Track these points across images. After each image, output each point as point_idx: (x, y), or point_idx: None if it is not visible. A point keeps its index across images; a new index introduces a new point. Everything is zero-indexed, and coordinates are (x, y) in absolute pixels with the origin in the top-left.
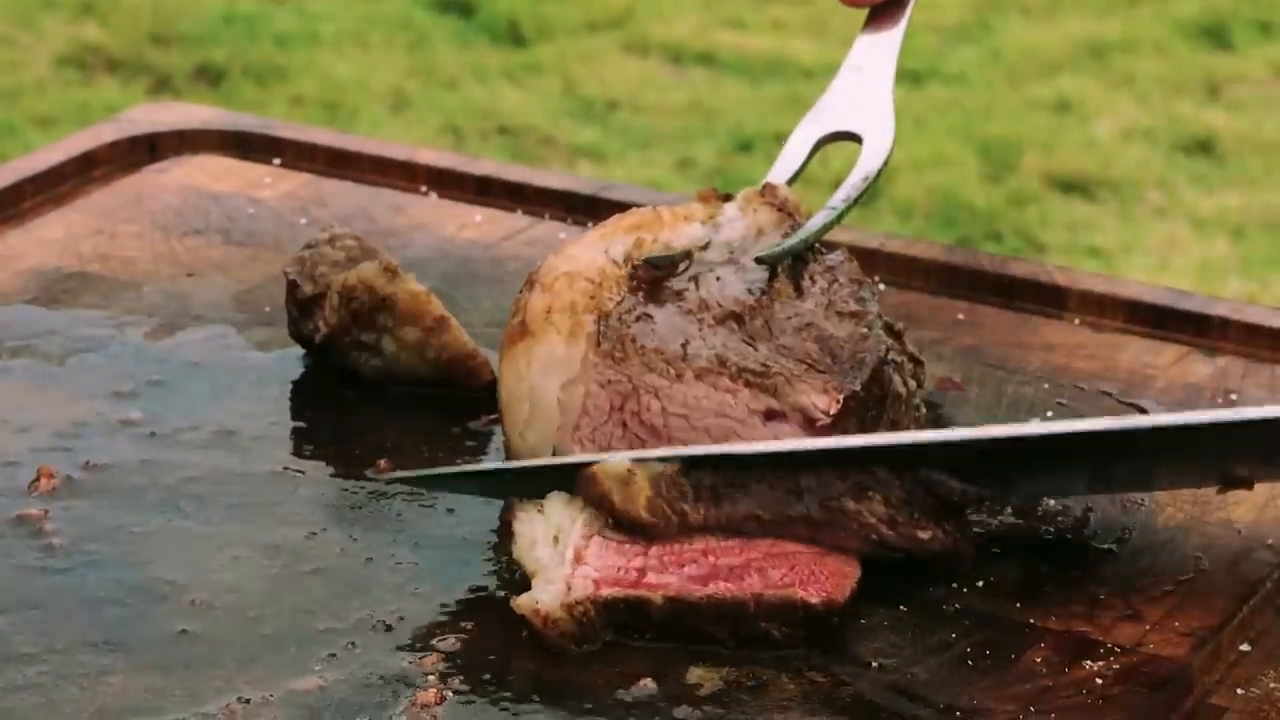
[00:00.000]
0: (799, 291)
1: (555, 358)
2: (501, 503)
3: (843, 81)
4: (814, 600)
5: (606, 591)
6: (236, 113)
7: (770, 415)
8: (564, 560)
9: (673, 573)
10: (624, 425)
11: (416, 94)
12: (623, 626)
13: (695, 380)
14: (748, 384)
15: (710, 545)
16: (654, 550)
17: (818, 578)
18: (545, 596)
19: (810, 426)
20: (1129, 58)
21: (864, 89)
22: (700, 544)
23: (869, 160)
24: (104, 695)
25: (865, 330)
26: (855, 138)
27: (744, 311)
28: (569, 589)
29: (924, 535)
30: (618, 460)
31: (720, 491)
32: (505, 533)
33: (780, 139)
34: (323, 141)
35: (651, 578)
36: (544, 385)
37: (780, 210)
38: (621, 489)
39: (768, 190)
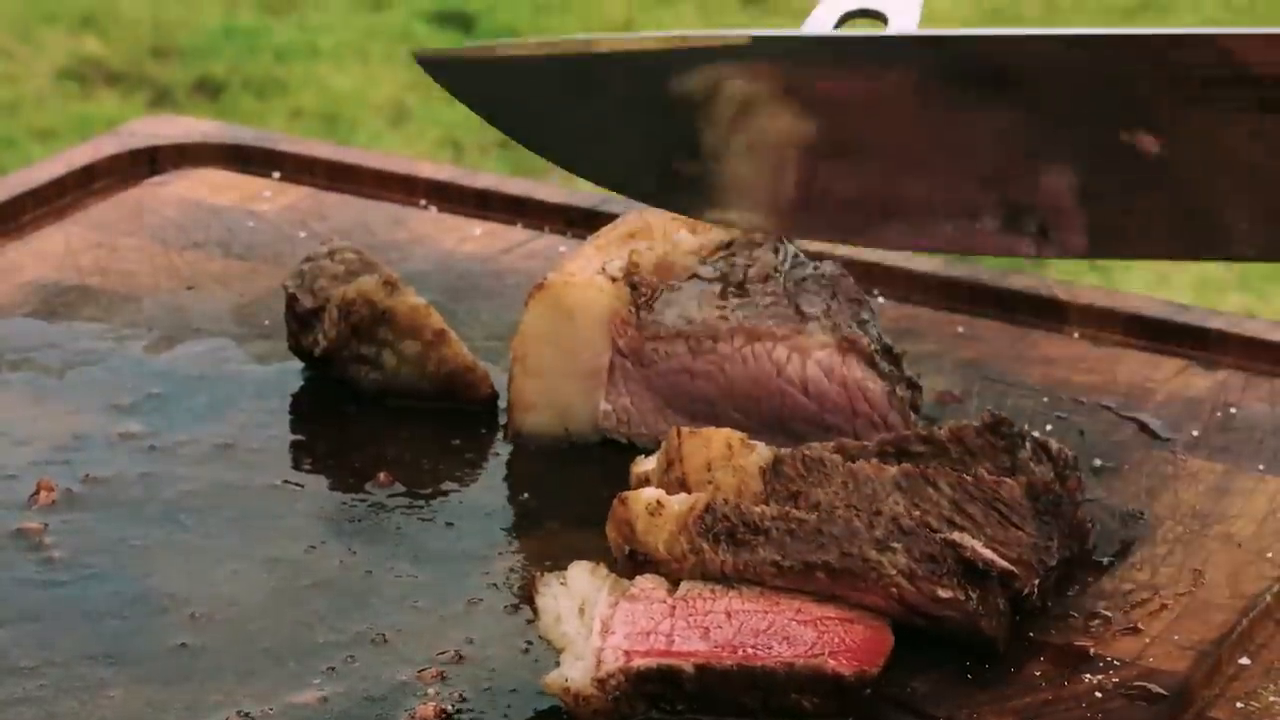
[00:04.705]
0: (801, 316)
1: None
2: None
3: None
4: (846, 672)
5: (638, 662)
6: (236, 126)
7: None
8: (592, 632)
9: (699, 636)
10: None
11: (416, 107)
12: (654, 699)
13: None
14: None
15: (733, 605)
16: (679, 609)
17: (848, 646)
18: (575, 673)
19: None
20: None
21: None
22: (723, 603)
23: None
24: (103, 708)
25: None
26: (880, 16)
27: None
28: (599, 663)
29: (944, 594)
30: (650, 492)
31: (740, 536)
32: (529, 605)
33: None
34: (322, 155)
35: (679, 642)
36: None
37: None
38: (646, 519)
39: None
